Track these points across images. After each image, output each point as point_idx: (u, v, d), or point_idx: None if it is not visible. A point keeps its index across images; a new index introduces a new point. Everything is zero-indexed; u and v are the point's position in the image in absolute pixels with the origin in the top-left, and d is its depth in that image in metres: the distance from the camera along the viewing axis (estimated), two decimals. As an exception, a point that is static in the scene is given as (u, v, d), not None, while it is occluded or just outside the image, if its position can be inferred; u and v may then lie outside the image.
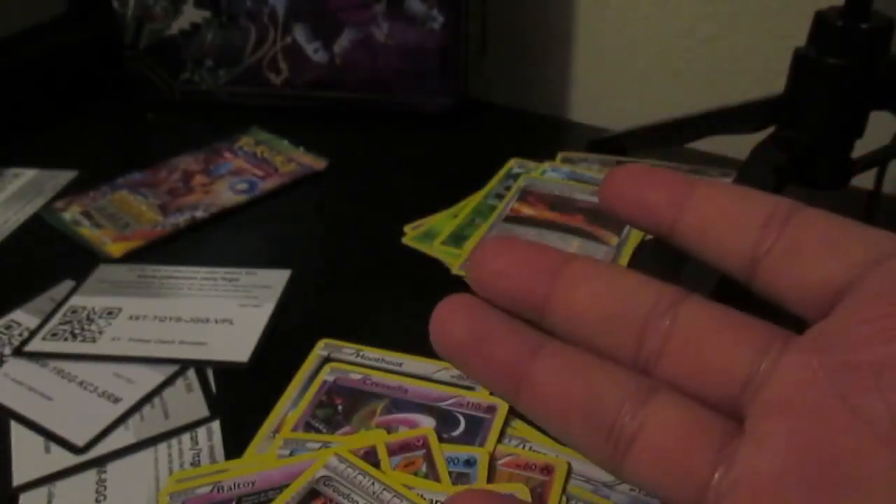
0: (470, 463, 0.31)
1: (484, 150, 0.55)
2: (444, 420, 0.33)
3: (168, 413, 0.35)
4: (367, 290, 0.43)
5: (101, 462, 0.32)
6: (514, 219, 0.45)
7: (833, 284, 0.15)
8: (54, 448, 0.33)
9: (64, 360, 0.37)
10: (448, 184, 0.50)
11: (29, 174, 0.53)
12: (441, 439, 0.32)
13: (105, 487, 0.31)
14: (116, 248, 0.45)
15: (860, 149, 0.43)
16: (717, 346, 0.16)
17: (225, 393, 0.36)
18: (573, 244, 0.43)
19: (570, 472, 0.31)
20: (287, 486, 0.30)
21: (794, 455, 0.14)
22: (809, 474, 0.14)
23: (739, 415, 0.15)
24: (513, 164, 0.51)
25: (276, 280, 0.42)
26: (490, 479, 0.30)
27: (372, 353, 0.37)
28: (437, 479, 0.30)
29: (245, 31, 0.58)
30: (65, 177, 0.53)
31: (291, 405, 0.34)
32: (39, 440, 0.33)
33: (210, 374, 0.37)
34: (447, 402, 0.34)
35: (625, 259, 0.42)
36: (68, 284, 0.42)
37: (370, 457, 0.31)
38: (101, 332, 0.39)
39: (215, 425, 0.34)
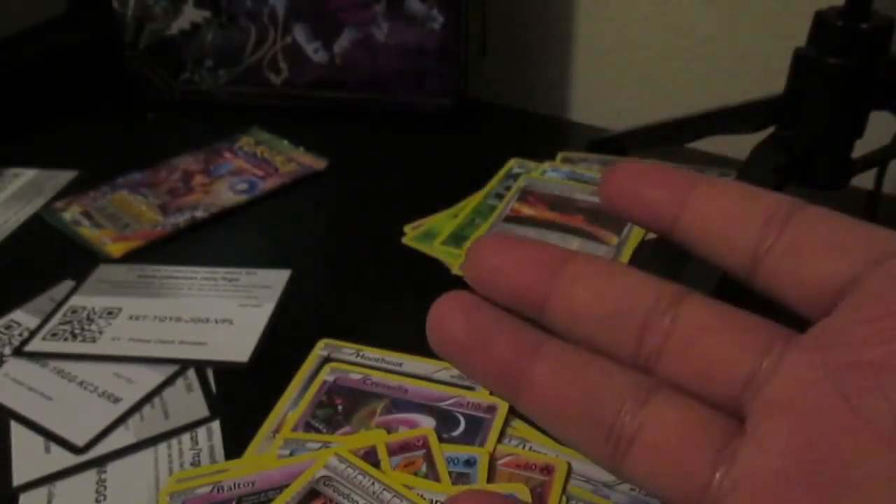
0: (470, 463, 0.31)
1: (484, 150, 0.55)
2: (444, 420, 0.33)
3: (168, 413, 0.35)
4: (367, 290, 0.43)
5: (101, 462, 0.32)
6: (514, 219, 0.45)
7: (834, 283, 0.15)
8: (54, 448, 0.33)
9: (64, 360, 0.37)
10: (448, 184, 0.50)
11: (29, 174, 0.53)
12: (441, 439, 0.32)
13: (105, 487, 0.31)
14: (116, 248, 0.45)
15: (860, 149, 0.43)
16: (719, 345, 0.16)
17: (225, 393, 0.36)
18: (573, 244, 0.43)
19: (570, 472, 0.31)
20: (287, 486, 0.30)
21: (795, 455, 0.14)
22: (810, 474, 0.13)
23: (740, 414, 0.15)
24: (513, 164, 0.51)
25: (276, 280, 0.42)
26: (490, 479, 0.30)
27: (372, 353, 0.37)
28: (437, 479, 0.30)
29: (245, 31, 0.58)
30: (65, 177, 0.53)
31: (291, 405, 0.34)
32: (39, 440, 0.33)
33: (210, 374, 0.37)
34: (447, 402, 0.34)
35: (625, 259, 0.42)
36: (68, 284, 0.42)
37: (370, 457, 0.31)
38: (101, 332, 0.39)
39: (215, 425, 0.34)
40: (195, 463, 0.32)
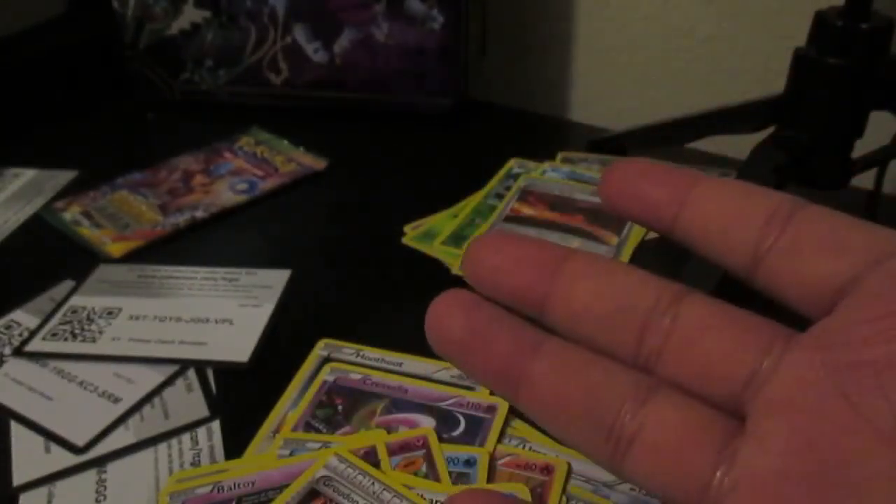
0: (470, 463, 0.31)
1: (484, 150, 0.55)
2: (444, 420, 0.33)
3: (168, 413, 0.35)
4: (367, 290, 0.43)
5: (101, 462, 0.32)
6: (514, 219, 0.45)
7: (834, 283, 0.15)
8: (54, 448, 0.33)
9: (64, 360, 0.37)
10: (448, 184, 0.50)
11: (29, 174, 0.53)
12: (441, 439, 0.32)
13: (105, 487, 0.31)
14: (116, 248, 0.45)
15: (860, 149, 0.43)
16: (719, 344, 0.16)
17: (225, 393, 0.36)
18: (573, 244, 0.43)
19: (570, 472, 0.31)
20: (287, 486, 0.30)
21: (795, 455, 0.14)
22: (811, 474, 0.13)
23: (741, 413, 0.15)
24: (513, 164, 0.51)
25: (276, 280, 0.42)
26: (490, 479, 0.30)
27: (372, 353, 0.37)
28: (437, 479, 0.30)
29: (245, 31, 0.58)
30: (65, 177, 0.53)
31: (291, 405, 0.34)
32: (39, 440, 0.33)
33: (210, 374, 0.37)
34: (447, 402, 0.34)
35: (625, 259, 0.42)
36: (68, 284, 0.42)
37: (370, 457, 0.31)
38: (101, 332, 0.39)
39: (215, 425, 0.34)
40: (195, 463, 0.32)
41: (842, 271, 0.15)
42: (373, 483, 0.30)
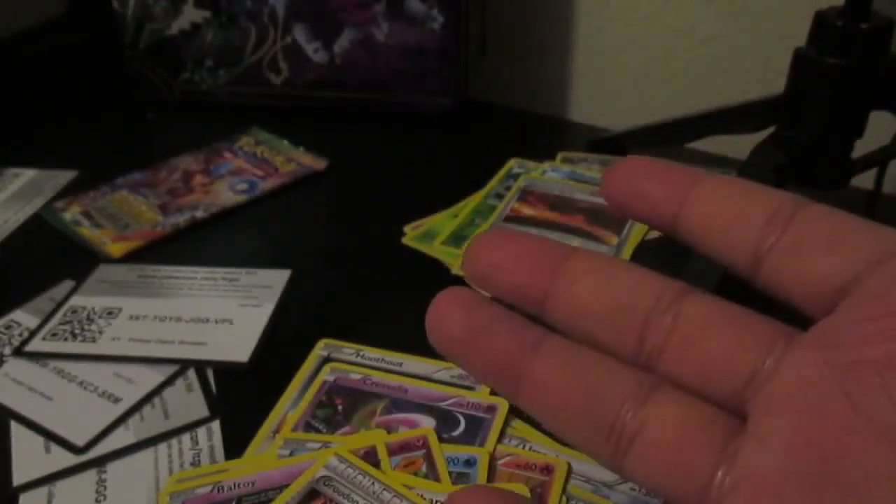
0: (470, 463, 0.31)
1: (484, 150, 0.55)
2: (444, 420, 0.33)
3: (168, 413, 0.34)
4: (367, 290, 0.43)
5: (101, 462, 0.32)
6: (515, 219, 0.45)
7: (836, 282, 0.15)
8: (54, 448, 0.33)
9: (64, 360, 0.37)
10: (448, 184, 0.50)
11: (29, 174, 0.53)
12: (441, 439, 0.32)
13: (105, 487, 0.31)
14: (116, 248, 0.45)
15: (860, 149, 0.43)
16: (721, 343, 0.15)
17: (225, 393, 0.36)
18: (573, 244, 0.43)
19: (570, 472, 0.31)
20: (287, 486, 0.30)
21: (796, 454, 0.14)
22: (812, 474, 0.13)
23: (742, 412, 0.15)
24: (513, 164, 0.51)
25: (276, 280, 0.42)
26: (490, 479, 0.30)
27: (372, 353, 0.37)
28: (437, 479, 0.30)
29: (245, 31, 0.58)
30: (65, 177, 0.53)
31: (291, 405, 0.34)
32: (39, 440, 0.33)
33: (210, 374, 0.37)
34: (447, 402, 0.34)
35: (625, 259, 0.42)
36: (68, 284, 0.42)
37: (370, 457, 0.31)
38: (101, 332, 0.39)
39: (215, 425, 0.34)
40: (195, 463, 0.32)
41: (843, 271, 0.15)
42: (373, 483, 0.30)
